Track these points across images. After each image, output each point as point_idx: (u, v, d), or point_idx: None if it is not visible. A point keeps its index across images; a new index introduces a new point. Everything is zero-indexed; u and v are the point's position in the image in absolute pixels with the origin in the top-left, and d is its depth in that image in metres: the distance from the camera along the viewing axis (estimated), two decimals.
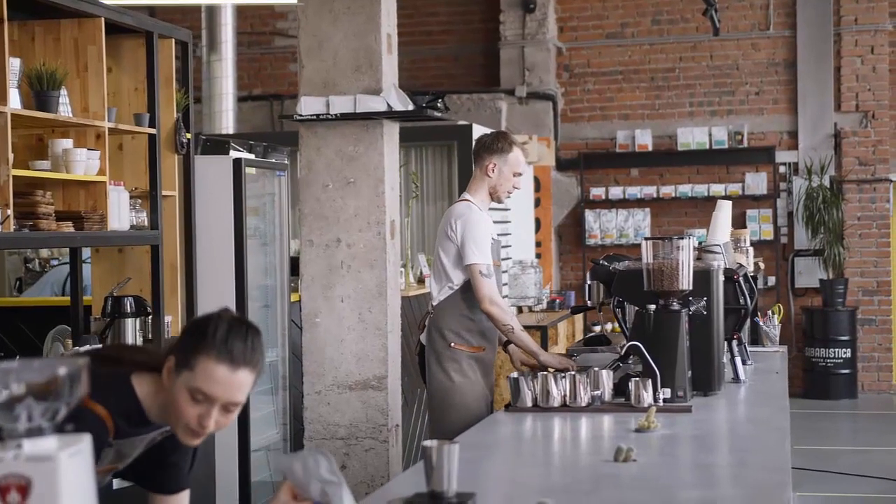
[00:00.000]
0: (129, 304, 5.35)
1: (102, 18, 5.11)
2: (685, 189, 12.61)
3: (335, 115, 5.69)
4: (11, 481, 1.70)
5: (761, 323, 6.34)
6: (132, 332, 5.34)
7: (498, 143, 5.26)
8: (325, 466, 2.53)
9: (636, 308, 4.54)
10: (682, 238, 4.40)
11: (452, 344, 5.13)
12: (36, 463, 1.70)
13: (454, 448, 2.71)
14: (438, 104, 6.06)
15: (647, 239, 4.44)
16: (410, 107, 5.77)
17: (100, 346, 5.04)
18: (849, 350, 12.12)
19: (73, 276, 5.58)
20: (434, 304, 5.25)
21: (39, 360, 1.79)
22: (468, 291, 5.12)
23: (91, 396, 2.48)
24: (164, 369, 2.60)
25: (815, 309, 12.29)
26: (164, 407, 2.63)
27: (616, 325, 11.86)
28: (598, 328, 12.19)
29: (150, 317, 5.48)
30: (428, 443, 2.71)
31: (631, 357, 4.41)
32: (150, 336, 5.52)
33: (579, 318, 11.18)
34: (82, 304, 5.54)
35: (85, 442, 1.78)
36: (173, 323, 5.75)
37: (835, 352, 12.10)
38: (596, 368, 4.36)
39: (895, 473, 8.64)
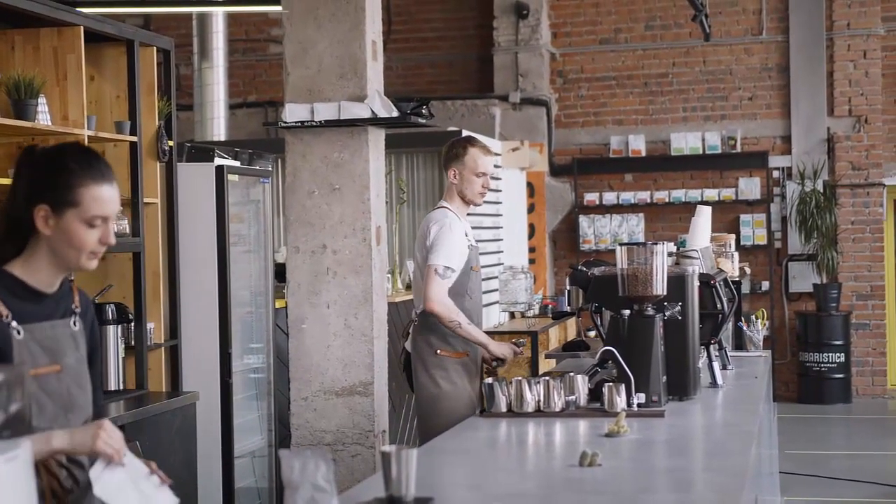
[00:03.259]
0: (111, 312, 5.37)
1: (82, 27, 5.13)
2: (679, 194, 12.62)
3: (319, 121, 5.71)
4: None
5: (745, 328, 6.34)
6: (114, 339, 5.36)
7: (452, 149, 5.38)
8: (323, 473, 2.56)
9: (611, 313, 4.56)
10: (657, 244, 4.41)
11: (438, 351, 5.22)
12: None
13: (412, 453, 2.73)
14: (423, 111, 6.08)
15: (621, 244, 4.45)
16: (395, 113, 5.79)
17: None
18: (843, 354, 12.12)
19: None
20: (417, 311, 5.32)
21: None
22: (453, 298, 5.18)
23: None
24: (39, 220, 2.66)
25: (809, 313, 12.29)
26: (50, 261, 2.69)
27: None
28: (592, 333, 12.19)
29: (132, 324, 5.51)
30: (386, 448, 2.73)
31: (608, 362, 4.42)
32: (132, 343, 5.54)
33: (572, 323, 11.19)
34: None
35: (23, 448, 1.80)
36: (156, 330, 5.77)
37: (829, 356, 12.10)
38: (571, 374, 4.37)
39: (887, 478, 8.65)
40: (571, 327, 11.17)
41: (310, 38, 5.87)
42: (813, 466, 8.98)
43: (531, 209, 12.26)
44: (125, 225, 5.49)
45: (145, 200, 5.64)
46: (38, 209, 2.66)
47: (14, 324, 2.63)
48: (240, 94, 13.27)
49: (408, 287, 8.14)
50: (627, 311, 4.39)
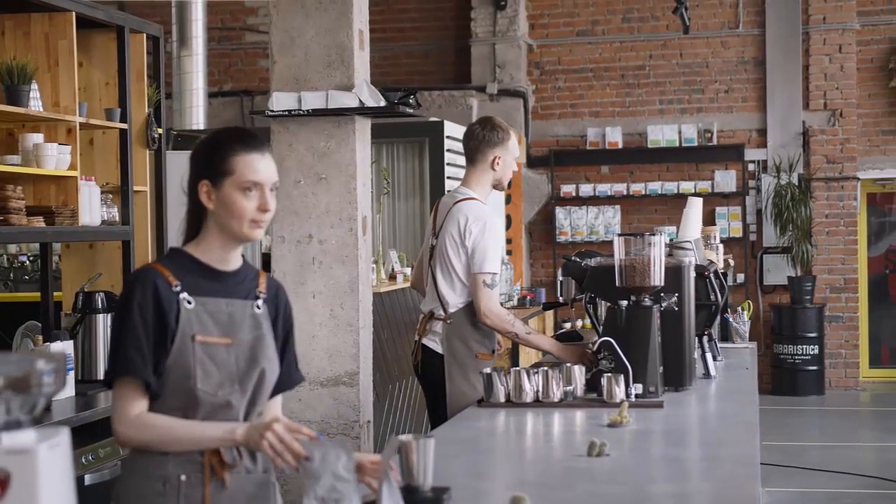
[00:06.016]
0: (100, 300, 5.32)
1: (73, 13, 5.08)
2: (655, 186, 12.67)
3: (307, 110, 5.67)
4: None
5: (731, 319, 6.37)
6: (103, 327, 5.31)
7: (497, 133, 5.02)
8: (344, 463, 2.57)
9: (608, 304, 4.56)
10: (654, 235, 4.42)
11: (478, 355, 4.96)
12: (15, 456, 1.70)
13: (430, 443, 2.72)
14: (410, 101, 6.06)
15: (619, 235, 4.45)
16: (382, 103, 5.77)
17: None
18: (816, 347, 12.21)
19: (44, 271, 5.55)
20: (450, 310, 4.97)
21: (17, 353, 1.79)
22: None
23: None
24: (203, 197, 2.82)
25: (783, 306, 12.38)
26: (219, 237, 2.83)
27: (587, 321, 11.92)
28: (567, 325, 12.23)
29: None
30: (404, 437, 2.72)
31: (603, 352, 4.42)
32: None
33: (550, 314, 11.23)
34: (52, 300, 5.51)
35: (63, 435, 1.78)
36: None
37: (802, 348, 12.19)
38: (568, 364, 4.38)
39: (862, 468, 8.74)
40: (549, 319, 11.20)
41: (297, 26, 5.84)
42: (788, 457, 9.04)
43: (508, 200, 12.26)
44: (115, 213, 5.44)
45: (135, 188, 5.59)
46: (201, 185, 2.82)
47: (185, 294, 2.78)
48: (215, 82, 13.19)
49: (391, 277, 8.12)
50: (625, 302, 4.39)
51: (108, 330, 5.37)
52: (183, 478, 2.76)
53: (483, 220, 4.89)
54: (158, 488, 2.76)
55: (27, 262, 9.02)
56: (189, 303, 2.78)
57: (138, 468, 2.79)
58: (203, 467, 2.77)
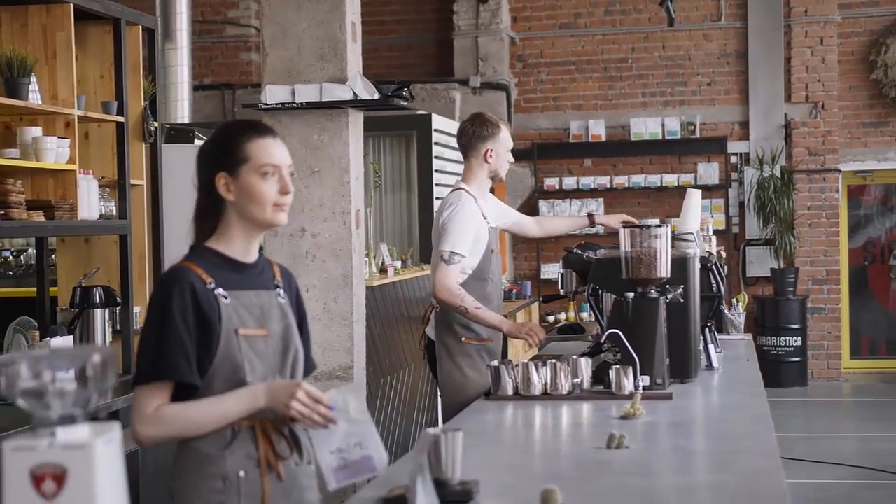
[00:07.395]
0: (97, 295, 5.28)
1: (71, 5, 5.03)
2: (638, 179, 12.68)
3: (301, 103, 5.65)
4: (47, 470, 1.68)
5: (726, 311, 6.39)
6: (101, 322, 5.27)
7: (487, 128, 5.23)
8: (354, 405, 2.58)
9: (614, 296, 4.55)
10: (660, 226, 4.41)
11: (463, 339, 5.09)
12: (71, 451, 1.69)
13: (458, 436, 2.71)
14: (404, 93, 6.05)
15: (625, 227, 4.45)
16: (376, 96, 5.75)
17: None
18: (799, 338, 12.26)
19: (40, 266, 5.50)
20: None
21: (71, 347, 1.77)
22: (473, 283, 5.06)
23: None
24: (221, 189, 2.80)
25: (766, 298, 12.42)
26: (241, 227, 2.81)
27: (571, 313, 11.91)
28: (551, 318, 12.24)
29: (118, 307, 5.42)
30: (432, 430, 2.70)
31: (606, 344, 4.41)
32: (118, 327, 5.45)
33: (535, 308, 11.23)
34: (48, 295, 5.46)
35: (115, 430, 1.76)
36: (142, 313, 5.68)
37: (785, 340, 12.24)
38: (575, 356, 4.37)
39: (847, 459, 8.78)
40: (535, 312, 11.21)
41: (289, 18, 5.82)
42: None
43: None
44: (112, 207, 5.39)
45: (131, 182, 5.54)
46: (218, 178, 2.81)
47: (220, 290, 2.77)
48: (196, 76, 13.07)
49: (382, 271, 8.10)
50: (631, 294, 4.39)
51: (107, 325, 5.33)
52: (242, 474, 2.75)
53: (455, 204, 5.06)
54: (218, 486, 2.74)
55: (10, 257, 8.94)
56: (225, 298, 2.77)
57: (194, 467, 2.76)
58: (259, 462, 2.76)
